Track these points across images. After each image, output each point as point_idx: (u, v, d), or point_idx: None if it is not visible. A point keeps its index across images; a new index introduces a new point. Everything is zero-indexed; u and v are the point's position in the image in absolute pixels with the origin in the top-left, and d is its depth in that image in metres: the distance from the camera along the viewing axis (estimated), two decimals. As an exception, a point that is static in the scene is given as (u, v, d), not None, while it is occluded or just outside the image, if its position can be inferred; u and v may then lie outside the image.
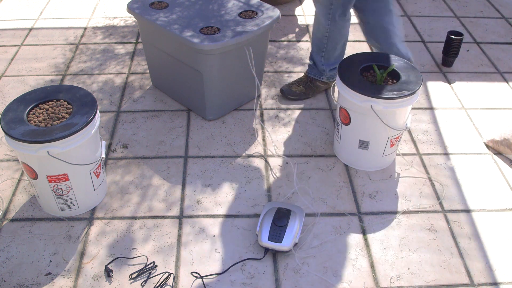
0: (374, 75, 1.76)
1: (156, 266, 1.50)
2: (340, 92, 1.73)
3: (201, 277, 1.48)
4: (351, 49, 2.57)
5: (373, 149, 1.79)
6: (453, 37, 2.36)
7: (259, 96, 2.18)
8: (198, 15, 1.96)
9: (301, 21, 2.83)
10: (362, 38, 2.67)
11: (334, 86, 2.09)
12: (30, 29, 2.68)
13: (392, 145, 1.79)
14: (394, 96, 1.63)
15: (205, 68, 1.88)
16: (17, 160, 1.87)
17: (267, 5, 2.02)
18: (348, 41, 2.65)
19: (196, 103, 2.05)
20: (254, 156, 1.90)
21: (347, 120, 1.77)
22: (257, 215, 1.67)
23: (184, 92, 2.09)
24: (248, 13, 1.97)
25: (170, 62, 2.02)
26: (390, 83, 1.73)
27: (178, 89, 2.11)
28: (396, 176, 1.84)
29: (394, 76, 1.75)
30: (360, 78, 1.71)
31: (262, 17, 1.95)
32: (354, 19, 2.87)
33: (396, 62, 1.79)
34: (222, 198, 1.73)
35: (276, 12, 1.98)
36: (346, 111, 1.75)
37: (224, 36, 1.82)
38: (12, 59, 2.44)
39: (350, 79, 1.70)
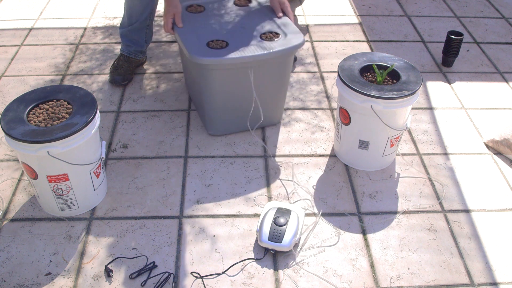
0: (374, 75, 1.76)
1: (156, 266, 1.50)
2: (340, 92, 1.73)
3: (201, 277, 1.48)
4: (351, 49, 2.57)
5: (373, 149, 1.79)
6: (453, 37, 2.36)
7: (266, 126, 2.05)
8: (220, 26, 1.87)
9: (301, 21, 2.83)
10: (363, 38, 2.67)
11: (333, 86, 2.09)
12: (30, 29, 2.68)
13: (392, 145, 1.79)
14: (394, 96, 1.63)
15: (204, 82, 1.82)
16: (17, 160, 1.87)
17: (296, 30, 1.84)
18: (348, 41, 2.65)
19: (201, 114, 2.01)
20: (254, 156, 1.90)
21: (347, 120, 1.77)
22: (257, 215, 1.67)
23: (195, 101, 2.08)
24: (271, 35, 1.82)
25: (189, 68, 1.99)
26: (390, 83, 1.73)
27: (193, 96, 2.10)
28: (396, 176, 1.84)
29: (394, 76, 1.75)
30: (360, 78, 1.71)
31: (279, 41, 1.79)
32: (351, 19, 2.88)
33: (396, 62, 1.79)
34: (222, 198, 1.73)
35: (297, 41, 1.79)
36: (346, 111, 1.75)
37: (224, 53, 1.71)
38: (12, 59, 2.44)
39: (350, 79, 1.70)
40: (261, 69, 1.80)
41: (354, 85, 1.67)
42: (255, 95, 1.83)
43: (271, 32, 1.84)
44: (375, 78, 1.75)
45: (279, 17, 1.93)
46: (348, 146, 1.83)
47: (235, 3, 2.03)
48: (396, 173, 1.85)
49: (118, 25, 2.71)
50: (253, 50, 1.74)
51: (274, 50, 1.75)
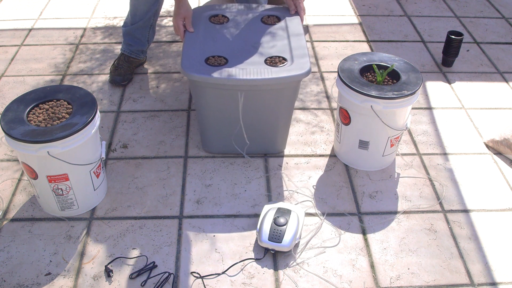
0: (374, 75, 1.76)
1: (156, 266, 1.50)
2: (340, 92, 1.73)
3: (201, 277, 1.48)
4: (351, 49, 2.57)
5: (373, 149, 1.79)
6: (453, 37, 2.36)
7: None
8: (230, 42, 1.79)
9: (301, 21, 2.83)
10: (363, 38, 2.67)
11: (333, 86, 2.09)
12: (30, 29, 2.68)
13: (392, 145, 1.79)
14: (394, 96, 1.63)
15: (195, 96, 1.75)
16: (17, 160, 1.87)
17: (305, 61, 1.69)
18: (348, 41, 2.65)
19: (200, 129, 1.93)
20: (254, 156, 1.90)
21: (347, 120, 1.77)
22: (257, 215, 1.67)
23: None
24: (277, 59, 1.70)
25: None
26: (390, 83, 1.73)
27: None
28: (396, 176, 1.84)
29: (394, 76, 1.75)
30: (360, 78, 1.71)
31: (281, 68, 1.65)
32: (351, 19, 2.88)
33: (396, 62, 1.79)
34: (222, 198, 1.73)
35: (297, 71, 1.64)
36: (346, 111, 1.75)
37: (214, 71, 1.62)
38: (12, 59, 2.44)
39: (350, 79, 1.70)
40: (256, 94, 1.68)
41: (354, 85, 1.67)
42: (241, 118, 1.72)
43: (278, 57, 1.72)
44: (375, 78, 1.75)
45: (292, 14, 1.95)
46: (348, 146, 1.83)
47: (262, 20, 1.93)
48: (396, 173, 1.85)
49: (118, 25, 2.72)
50: (245, 73, 1.62)
51: (264, 77, 1.61)
